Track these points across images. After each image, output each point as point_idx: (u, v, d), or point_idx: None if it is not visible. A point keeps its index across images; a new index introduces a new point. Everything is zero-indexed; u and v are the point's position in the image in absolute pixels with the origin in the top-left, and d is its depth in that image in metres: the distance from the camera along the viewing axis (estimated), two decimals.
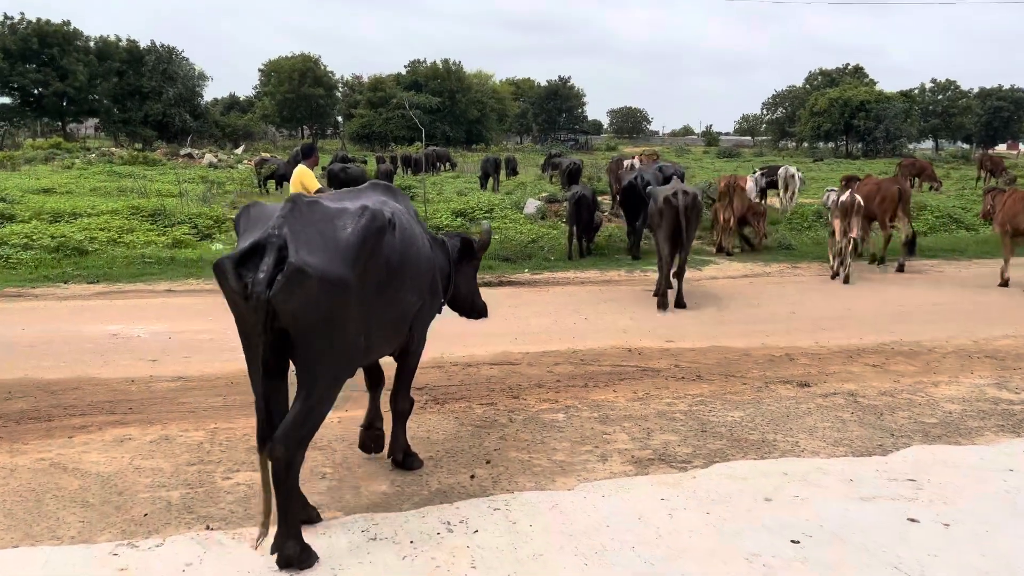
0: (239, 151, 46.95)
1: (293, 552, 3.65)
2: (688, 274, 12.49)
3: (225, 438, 5.40)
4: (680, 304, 10.14)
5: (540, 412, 6.01)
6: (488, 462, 5.04)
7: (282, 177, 22.70)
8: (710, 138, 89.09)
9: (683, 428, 5.69)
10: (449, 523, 4.13)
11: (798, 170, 21.08)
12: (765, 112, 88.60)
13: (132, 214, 15.17)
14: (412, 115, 35.27)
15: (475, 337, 8.19)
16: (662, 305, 10.11)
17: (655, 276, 11.93)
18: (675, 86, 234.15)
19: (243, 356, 3.66)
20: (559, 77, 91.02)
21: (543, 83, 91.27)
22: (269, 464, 3.57)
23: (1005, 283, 11.93)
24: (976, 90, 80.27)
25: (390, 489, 4.62)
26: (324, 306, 3.55)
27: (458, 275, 5.16)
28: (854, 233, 12.23)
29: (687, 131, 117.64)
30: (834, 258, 12.75)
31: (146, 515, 4.23)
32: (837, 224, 12.40)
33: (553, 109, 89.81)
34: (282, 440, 3.56)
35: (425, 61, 74.97)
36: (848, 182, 18.21)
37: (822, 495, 4.47)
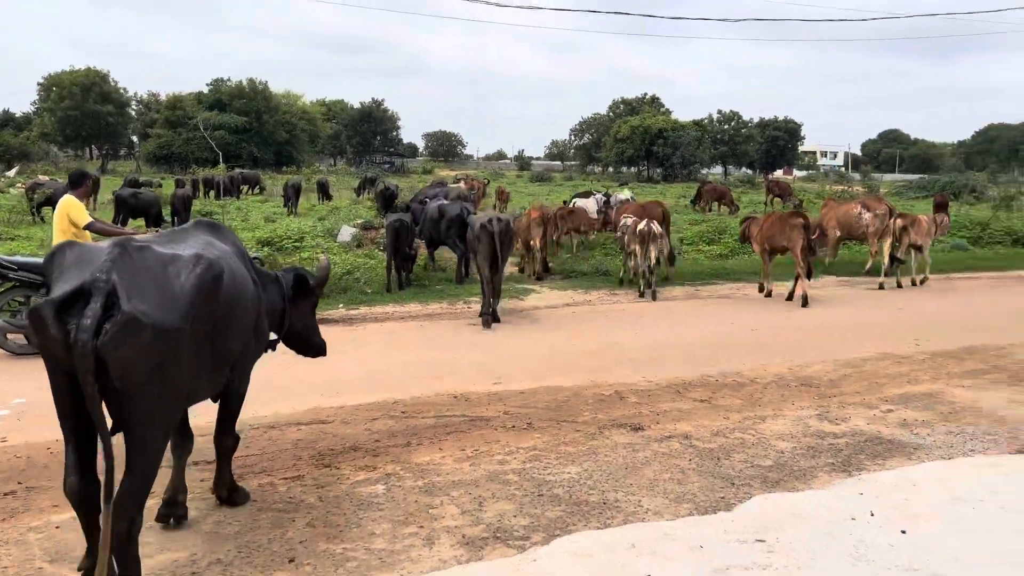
0: (11, 173, 41.80)
1: None
2: (511, 304, 12.28)
3: None
4: (495, 319, 10.81)
5: (356, 485, 5.21)
6: (292, 560, 4.18)
7: None
8: (522, 162, 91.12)
9: (518, 493, 5.11)
10: None
11: (632, 196, 21.83)
12: (573, 138, 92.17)
13: None
14: (206, 136, 32.94)
15: (281, 391, 7.23)
16: (487, 324, 10.63)
17: (478, 307, 11.52)
18: (488, 111, 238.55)
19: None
20: (372, 99, 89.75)
21: (356, 105, 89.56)
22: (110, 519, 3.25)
23: (768, 294, 13.59)
24: (756, 120, 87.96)
25: None
26: (156, 356, 3.38)
27: (292, 312, 5.05)
28: (652, 256, 13.42)
29: (500, 155, 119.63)
30: (641, 279, 13.67)
31: None
32: (638, 249, 13.39)
33: (367, 131, 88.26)
34: (123, 511, 3.34)
35: (229, 80, 70.87)
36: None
37: (673, 570, 4.03)
